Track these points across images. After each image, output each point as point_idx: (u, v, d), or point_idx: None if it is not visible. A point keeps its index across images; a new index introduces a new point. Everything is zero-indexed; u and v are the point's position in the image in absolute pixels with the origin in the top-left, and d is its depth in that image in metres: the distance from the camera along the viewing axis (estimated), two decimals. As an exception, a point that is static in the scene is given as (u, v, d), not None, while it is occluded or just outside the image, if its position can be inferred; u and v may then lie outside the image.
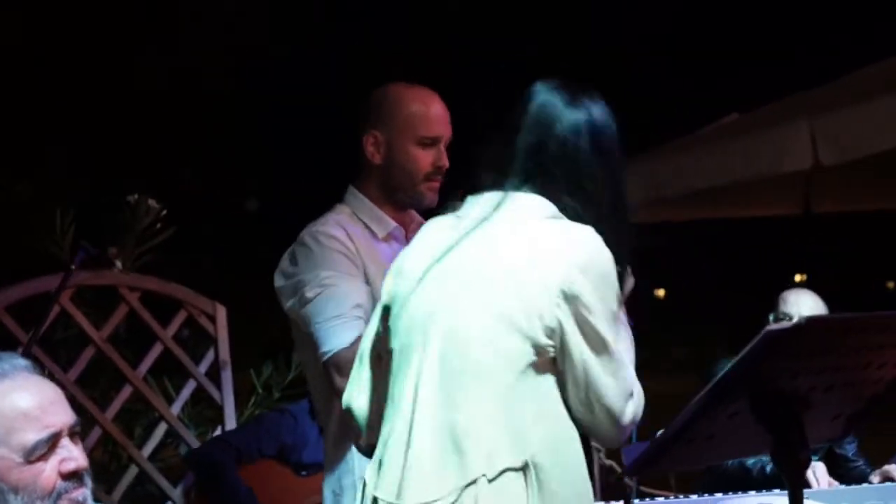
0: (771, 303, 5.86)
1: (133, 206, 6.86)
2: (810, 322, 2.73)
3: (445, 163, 4.13)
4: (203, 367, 6.36)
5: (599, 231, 3.12)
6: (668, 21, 23.54)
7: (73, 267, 5.29)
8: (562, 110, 3.23)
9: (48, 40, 13.32)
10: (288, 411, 5.99)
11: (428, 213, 3.93)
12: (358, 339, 3.60)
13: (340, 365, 3.98)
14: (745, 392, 2.91)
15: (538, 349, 3.03)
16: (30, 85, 12.91)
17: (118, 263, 6.70)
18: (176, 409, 6.42)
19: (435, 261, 3.17)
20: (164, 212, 6.94)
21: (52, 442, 2.84)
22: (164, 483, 6.24)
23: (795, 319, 5.27)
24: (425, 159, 4.12)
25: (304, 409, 5.88)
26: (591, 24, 22.65)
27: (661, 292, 46.96)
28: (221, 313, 6.37)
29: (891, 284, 42.09)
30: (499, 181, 3.23)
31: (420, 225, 4.06)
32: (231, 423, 6.31)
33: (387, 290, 3.28)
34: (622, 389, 3.07)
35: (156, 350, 6.28)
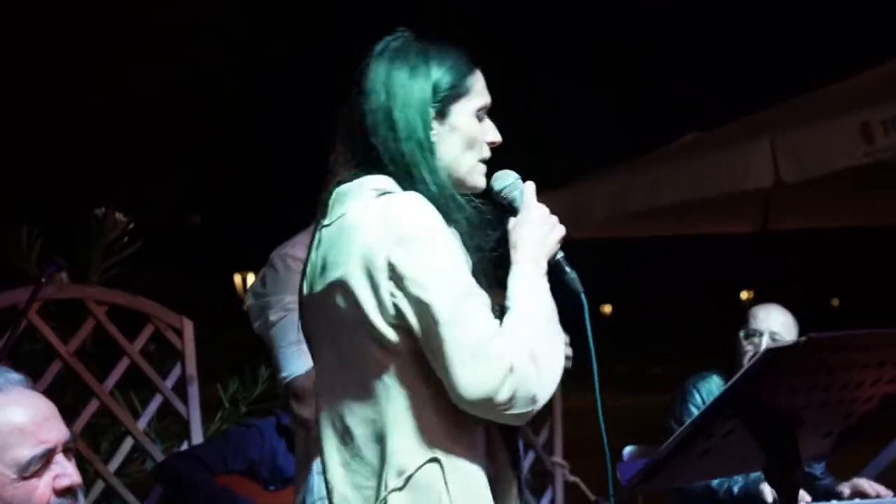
0: (716, 319, 5.85)
1: (100, 220, 6.81)
2: (811, 339, 2.73)
3: None
4: (170, 382, 6.31)
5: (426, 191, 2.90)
6: (629, 39, 23.67)
7: (43, 280, 5.23)
8: (365, 69, 3.02)
9: (5, 55, 13.27)
10: (255, 426, 5.97)
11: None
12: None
13: (296, 391, 3.98)
14: (742, 409, 2.93)
15: (396, 348, 2.83)
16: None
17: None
18: (142, 423, 6.36)
19: (306, 285, 3.05)
20: (131, 225, 6.89)
21: (46, 458, 2.80)
22: (130, 498, 6.17)
23: (766, 335, 5.34)
24: None
25: (272, 424, 5.87)
26: (561, 33, 22.73)
27: (607, 308, 47.15)
28: (188, 327, 6.32)
29: (836, 302, 42.47)
30: (331, 167, 3.06)
31: None
32: (198, 437, 6.27)
33: None
34: (488, 367, 2.74)
35: (123, 364, 6.22)
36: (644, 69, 24.13)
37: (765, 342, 5.37)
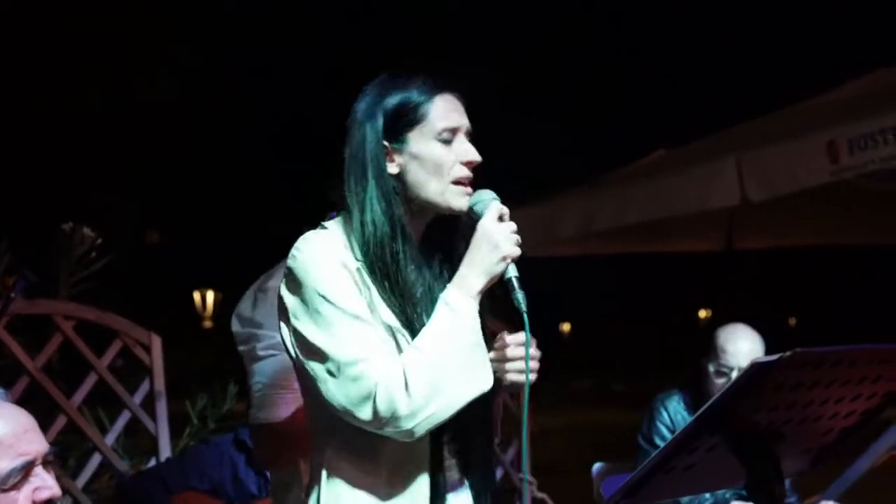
0: (677, 336, 5.78)
1: (68, 235, 6.78)
2: (797, 354, 2.74)
3: None
4: (138, 398, 6.28)
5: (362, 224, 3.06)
6: (598, 55, 23.75)
7: (13, 295, 5.18)
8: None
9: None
10: (213, 443, 5.95)
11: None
12: (292, 414, 3.59)
13: (261, 436, 3.96)
14: (725, 424, 2.93)
15: (303, 374, 3.05)
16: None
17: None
18: (110, 439, 6.32)
19: None
20: (99, 240, 6.85)
21: (25, 470, 2.78)
22: (97, 514, 6.16)
23: (736, 371, 5.32)
24: None
25: (229, 440, 5.85)
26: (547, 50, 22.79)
27: (566, 326, 47.25)
28: (157, 343, 6.30)
29: (793, 321, 42.67)
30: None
31: None
32: (166, 453, 6.24)
33: None
34: (351, 387, 2.89)
35: (90, 380, 6.19)
36: (614, 84, 24.23)
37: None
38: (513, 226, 3.06)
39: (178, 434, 7.14)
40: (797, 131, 7.56)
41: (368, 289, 3.00)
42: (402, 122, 3.08)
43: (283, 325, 3.06)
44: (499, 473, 7.75)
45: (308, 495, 3.11)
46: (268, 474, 5.53)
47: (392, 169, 3.09)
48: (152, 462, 6.31)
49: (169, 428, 6.34)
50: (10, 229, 6.90)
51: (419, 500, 3.02)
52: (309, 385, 3.02)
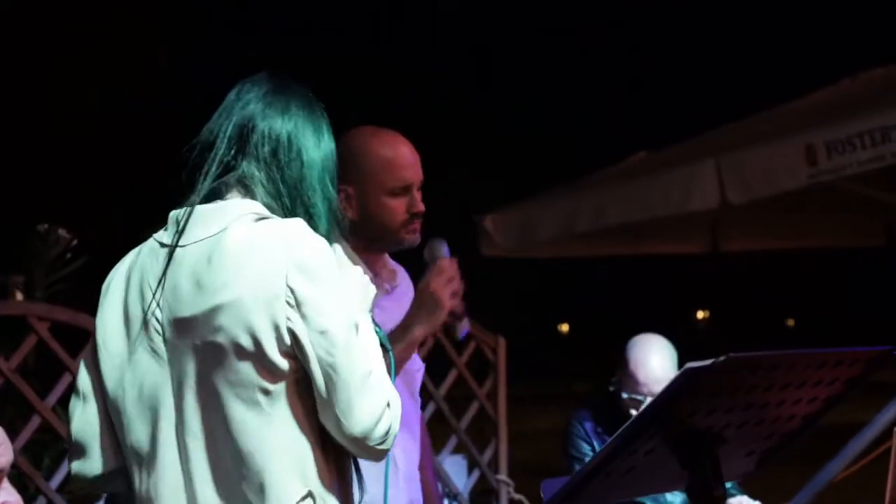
0: (672, 338, 5.70)
1: (43, 235, 6.79)
2: (730, 359, 2.76)
3: (420, 207, 3.92)
4: (113, 399, 6.29)
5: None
6: (581, 56, 23.80)
7: (-27, 296, 5.21)
8: (261, 111, 2.93)
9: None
10: None
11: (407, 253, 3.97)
12: None
13: None
14: (662, 428, 2.95)
15: (284, 376, 2.75)
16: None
17: (18, 294, 6.61)
18: (84, 440, 6.33)
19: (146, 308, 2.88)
20: (75, 241, 6.87)
21: None
22: (72, 514, 6.17)
23: (648, 399, 5.28)
24: (399, 208, 3.91)
25: None
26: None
27: (564, 327, 47.25)
28: (131, 344, 6.31)
29: (791, 322, 42.65)
30: (189, 191, 2.94)
31: (390, 269, 4.10)
32: (140, 454, 6.25)
33: None
34: (371, 400, 2.73)
35: (65, 381, 6.21)
36: (597, 87, 24.27)
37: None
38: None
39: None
40: (776, 134, 7.61)
41: None
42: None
43: (294, 329, 2.74)
44: (476, 474, 7.77)
45: None
46: None
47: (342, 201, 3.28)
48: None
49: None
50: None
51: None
52: (292, 399, 2.77)
